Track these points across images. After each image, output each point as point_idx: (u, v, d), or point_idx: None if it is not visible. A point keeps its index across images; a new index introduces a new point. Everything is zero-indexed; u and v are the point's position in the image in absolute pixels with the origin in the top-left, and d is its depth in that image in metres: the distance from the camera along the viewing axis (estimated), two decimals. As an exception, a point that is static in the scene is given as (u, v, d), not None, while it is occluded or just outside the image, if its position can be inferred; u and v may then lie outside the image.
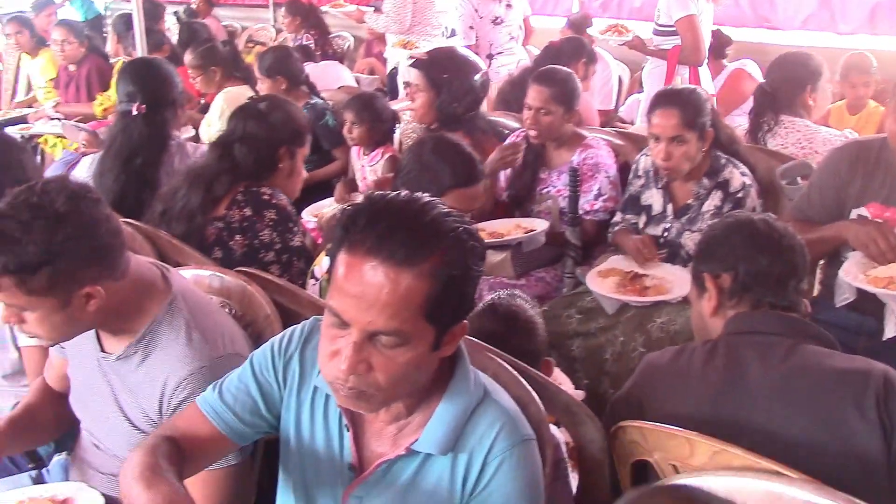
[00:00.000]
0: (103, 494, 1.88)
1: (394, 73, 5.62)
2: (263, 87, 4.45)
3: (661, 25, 4.90)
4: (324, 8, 7.05)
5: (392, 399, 1.46)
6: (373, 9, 5.68)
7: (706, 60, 4.85)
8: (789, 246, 1.91)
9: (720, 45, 4.99)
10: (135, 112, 3.27)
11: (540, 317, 2.33)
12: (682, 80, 4.71)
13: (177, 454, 1.55)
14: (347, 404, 1.46)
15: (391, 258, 1.34)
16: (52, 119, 5.79)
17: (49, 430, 2.09)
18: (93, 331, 1.88)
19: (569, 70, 3.65)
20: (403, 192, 1.46)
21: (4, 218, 1.63)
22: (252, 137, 2.79)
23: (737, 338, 1.85)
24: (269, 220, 2.74)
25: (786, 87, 3.60)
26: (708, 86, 4.87)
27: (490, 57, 5.24)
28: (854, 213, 2.59)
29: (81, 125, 4.92)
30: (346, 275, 1.38)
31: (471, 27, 5.22)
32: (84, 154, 4.25)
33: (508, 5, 5.25)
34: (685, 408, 1.76)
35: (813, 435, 1.64)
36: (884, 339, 2.39)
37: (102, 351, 1.88)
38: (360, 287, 1.35)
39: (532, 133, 3.50)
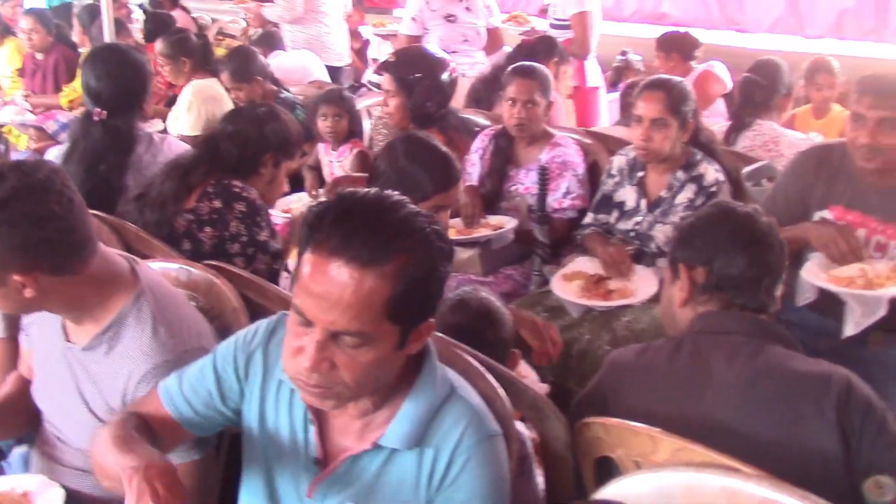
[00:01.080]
0: (65, 487, 1.87)
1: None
2: (240, 94, 4.41)
3: (556, 19, 5.21)
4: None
5: (356, 396, 1.46)
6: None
7: (591, 54, 5.14)
8: (769, 245, 1.90)
9: (689, 47, 5.05)
10: (95, 118, 3.16)
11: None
12: (570, 72, 4.88)
13: (146, 429, 1.58)
14: (311, 402, 1.47)
15: (355, 259, 1.34)
16: (20, 109, 5.70)
17: (22, 421, 2.06)
18: (59, 320, 1.87)
19: (543, 66, 3.68)
20: (373, 191, 1.46)
21: None
22: (241, 136, 2.79)
23: (703, 337, 1.85)
24: (238, 211, 2.73)
25: (763, 91, 3.67)
26: (595, 80, 5.12)
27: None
28: (817, 216, 2.64)
29: (28, 122, 4.83)
30: (311, 274, 1.38)
31: (413, 18, 5.22)
32: (36, 151, 4.19)
33: (468, 8, 5.22)
34: (649, 404, 1.78)
35: (775, 434, 1.66)
36: (842, 337, 2.43)
37: (67, 341, 1.86)
38: (324, 287, 1.36)
39: (515, 126, 3.49)
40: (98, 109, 3.16)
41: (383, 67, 3.78)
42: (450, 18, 5.17)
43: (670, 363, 1.84)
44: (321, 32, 6.07)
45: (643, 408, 1.76)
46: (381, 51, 6.71)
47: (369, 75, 6.70)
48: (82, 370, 1.83)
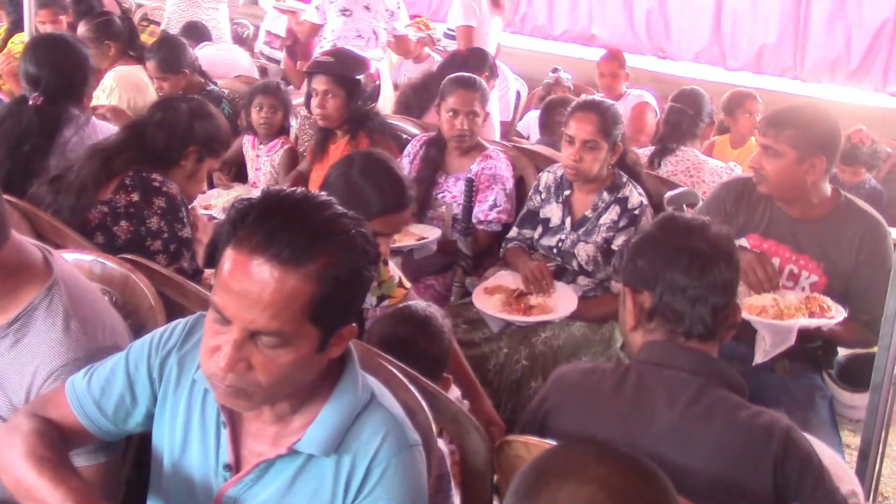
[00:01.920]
0: None
1: None
2: (165, 85, 4.29)
3: (449, 29, 5.48)
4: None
5: (272, 398, 1.43)
6: None
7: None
8: (717, 261, 1.76)
9: (623, 62, 5.23)
10: (31, 102, 3.09)
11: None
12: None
13: (61, 441, 1.52)
14: (226, 402, 1.43)
15: (276, 257, 1.32)
16: None
17: None
18: None
19: (480, 78, 3.72)
20: (299, 191, 1.43)
21: None
22: (169, 126, 2.72)
23: (647, 368, 1.78)
24: (158, 207, 2.65)
25: (690, 120, 3.78)
26: None
27: (335, 46, 5.33)
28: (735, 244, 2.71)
29: None
30: (231, 271, 1.35)
31: (317, 7, 5.28)
32: None
33: (367, 7, 5.25)
34: (588, 427, 1.75)
35: (712, 474, 1.64)
36: (753, 364, 2.50)
37: None
38: (244, 285, 1.33)
39: (457, 137, 3.50)
40: (35, 94, 3.10)
41: (319, 68, 3.72)
42: (345, 12, 5.20)
43: (615, 391, 1.78)
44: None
45: (581, 430, 1.73)
46: (274, 24, 6.58)
47: (260, 45, 6.71)
48: None
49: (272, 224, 1.34)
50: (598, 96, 5.17)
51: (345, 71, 3.64)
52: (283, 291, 1.32)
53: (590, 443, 1.30)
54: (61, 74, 3.14)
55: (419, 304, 2.33)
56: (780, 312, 2.44)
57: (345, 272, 1.36)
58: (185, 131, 2.73)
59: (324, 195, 1.45)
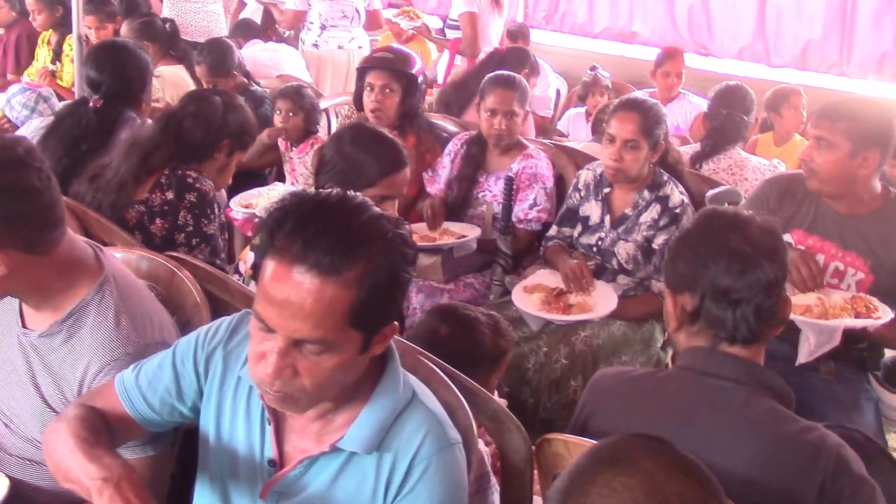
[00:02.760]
0: (9, 477, 1.81)
1: None
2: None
3: (451, 19, 5.52)
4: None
5: (319, 400, 1.45)
6: None
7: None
8: (761, 256, 1.68)
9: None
10: (91, 104, 3.18)
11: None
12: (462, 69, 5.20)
13: (104, 427, 1.55)
14: (275, 405, 1.45)
15: (316, 266, 1.32)
16: None
17: None
18: (16, 306, 1.82)
19: (518, 75, 3.69)
20: (335, 192, 1.44)
21: None
22: (204, 119, 2.76)
23: (689, 375, 1.72)
24: (188, 202, 2.69)
25: (736, 124, 3.73)
26: None
27: (323, 28, 5.53)
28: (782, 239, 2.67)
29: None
30: (272, 281, 1.35)
31: None
32: None
33: None
34: (626, 429, 1.69)
35: (754, 478, 1.58)
36: (796, 364, 2.47)
37: (24, 327, 1.81)
38: (285, 294, 1.33)
39: (495, 136, 3.49)
40: (96, 97, 3.19)
41: (378, 63, 3.74)
42: None
43: (653, 397, 1.73)
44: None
45: (614, 429, 1.65)
46: (255, 15, 6.59)
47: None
48: (38, 358, 1.78)
49: (310, 231, 1.34)
50: (639, 94, 5.16)
51: (404, 66, 3.66)
52: (323, 300, 1.32)
53: (652, 438, 1.28)
54: (121, 79, 3.23)
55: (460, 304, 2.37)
56: (825, 312, 2.41)
57: (384, 275, 1.37)
58: (220, 125, 2.78)
59: (360, 197, 1.45)
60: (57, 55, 5.38)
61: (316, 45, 5.53)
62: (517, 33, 5.89)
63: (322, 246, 1.33)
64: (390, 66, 3.66)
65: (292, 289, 1.33)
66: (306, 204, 1.39)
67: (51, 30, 5.46)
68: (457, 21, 5.44)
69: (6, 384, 1.85)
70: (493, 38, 5.54)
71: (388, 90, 3.63)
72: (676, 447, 1.25)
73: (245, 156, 2.96)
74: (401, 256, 1.40)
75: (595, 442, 1.62)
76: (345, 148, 2.49)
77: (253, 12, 6.67)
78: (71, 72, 4.98)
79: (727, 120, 3.89)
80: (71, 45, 5.05)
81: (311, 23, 5.50)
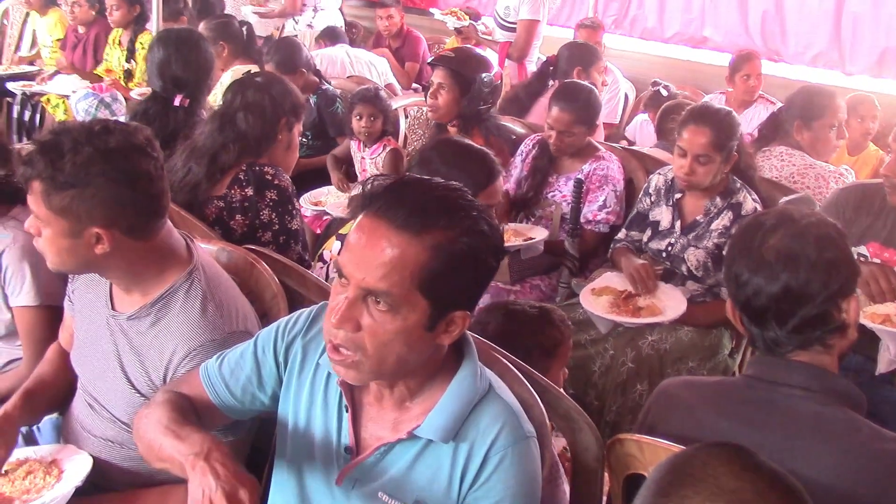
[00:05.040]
0: (93, 457, 1.88)
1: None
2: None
3: (507, 21, 5.41)
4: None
5: (380, 370, 1.45)
6: None
7: (532, 58, 5.39)
8: (803, 268, 1.61)
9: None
10: (177, 104, 3.26)
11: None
12: (510, 72, 5.20)
13: (192, 409, 1.60)
14: (337, 371, 1.48)
15: (394, 221, 1.38)
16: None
17: (60, 397, 2.07)
18: (106, 289, 1.89)
19: (590, 87, 3.67)
20: (437, 178, 1.50)
21: (64, 133, 1.69)
22: (256, 106, 2.79)
23: (758, 384, 1.68)
24: (270, 199, 2.73)
25: (789, 117, 3.62)
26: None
27: (315, 10, 5.97)
28: (854, 252, 2.62)
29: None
30: (355, 230, 1.43)
31: None
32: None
33: None
34: (695, 433, 1.68)
35: (835, 486, 1.54)
36: (876, 374, 2.43)
37: (113, 309, 1.88)
38: (363, 244, 1.40)
39: (554, 150, 3.51)
40: (182, 96, 3.27)
41: (440, 61, 3.79)
42: None
43: (723, 404, 1.70)
44: None
45: (683, 434, 1.67)
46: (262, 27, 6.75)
47: None
48: (125, 340, 1.85)
49: (401, 193, 1.42)
50: (711, 98, 5.10)
51: (461, 68, 3.68)
52: (396, 255, 1.37)
53: (733, 450, 1.24)
54: (199, 73, 3.33)
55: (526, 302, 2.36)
56: (905, 321, 2.36)
57: (460, 249, 1.40)
58: (272, 107, 2.79)
59: (459, 184, 1.49)
60: (131, 53, 5.52)
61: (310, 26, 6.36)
62: (591, 27, 5.83)
63: (408, 205, 1.39)
64: (448, 65, 3.70)
65: (370, 238, 1.39)
66: (409, 178, 1.49)
67: (121, 29, 5.60)
68: (512, 23, 5.39)
69: (94, 363, 1.92)
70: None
71: (443, 88, 3.68)
72: (757, 457, 1.22)
73: (300, 125, 2.95)
74: (482, 238, 1.43)
75: (669, 444, 1.63)
76: (437, 166, 2.45)
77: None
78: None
79: (777, 116, 3.76)
80: (143, 45, 5.21)
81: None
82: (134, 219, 1.74)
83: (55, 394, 2.05)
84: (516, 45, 5.34)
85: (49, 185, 1.68)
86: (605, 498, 1.88)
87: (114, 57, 5.60)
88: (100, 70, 5.64)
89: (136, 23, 5.50)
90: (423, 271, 1.38)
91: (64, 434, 2.04)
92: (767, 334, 1.65)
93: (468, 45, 4.69)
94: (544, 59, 4.83)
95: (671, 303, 2.95)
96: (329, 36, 6.08)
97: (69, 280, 2.05)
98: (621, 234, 3.31)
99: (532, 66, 5.31)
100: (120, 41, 5.59)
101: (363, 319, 1.40)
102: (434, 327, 1.44)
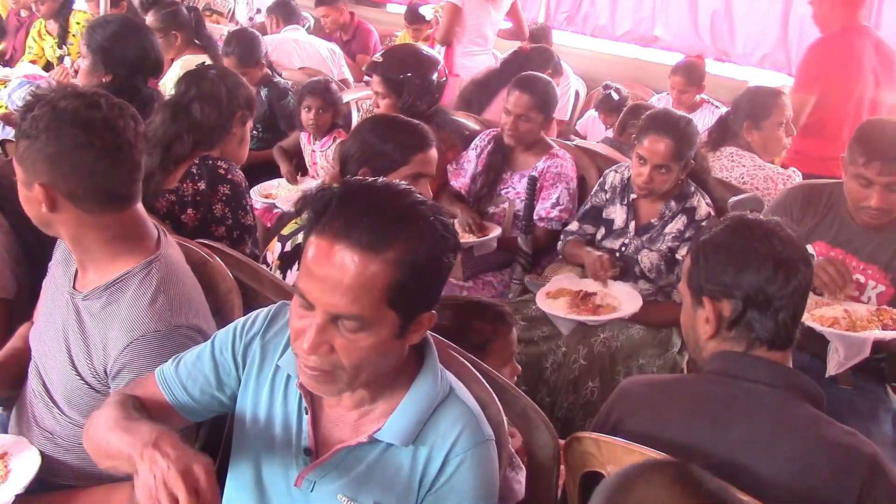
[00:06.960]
0: (41, 452, 1.84)
1: None
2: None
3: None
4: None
5: (354, 383, 1.45)
6: None
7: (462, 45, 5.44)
8: (796, 261, 1.72)
9: (699, 76, 5.08)
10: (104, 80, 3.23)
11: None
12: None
13: (143, 409, 1.57)
14: (310, 386, 1.46)
15: (356, 243, 1.35)
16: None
17: (21, 377, 2.04)
18: (73, 267, 1.88)
19: (548, 78, 3.68)
20: (380, 180, 1.47)
21: (54, 92, 1.74)
22: (212, 96, 2.76)
23: (721, 380, 1.73)
24: (223, 194, 2.70)
25: (737, 119, 3.67)
26: (458, 69, 5.34)
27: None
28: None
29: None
30: (314, 257, 1.38)
31: None
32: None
33: None
34: (655, 431, 1.72)
35: (793, 484, 1.59)
36: (826, 376, 2.46)
37: (73, 288, 1.86)
38: (325, 270, 1.36)
39: (507, 135, 3.50)
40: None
41: (371, 68, 3.75)
42: None
43: (686, 400, 1.74)
44: None
45: (648, 433, 1.71)
46: None
47: None
48: (76, 319, 1.82)
49: (352, 210, 1.37)
50: (656, 98, 5.15)
51: (388, 72, 3.63)
52: (362, 276, 1.34)
53: (679, 469, 1.27)
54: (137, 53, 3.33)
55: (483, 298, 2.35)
56: (853, 324, 2.39)
57: (423, 258, 1.38)
58: (228, 99, 2.77)
59: (404, 184, 1.47)
60: (62, 39, 5.43)
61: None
62: (540, 34, 5.88)
63: (364, 224, 1.36)
64: (376, 71, 3.67)
65: (333, 264, 1.35)
66: (351, 187, 1.43)
67: (42, 21, 5.50)
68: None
69: (46, 342, 1.90)
70: (487, 30, 5.49)
71: (380, 97, 3.65)
72: (702, 478, 1.24)
73: (251, 120, 2.93)
74: (441, 241, 1.42)
75: (627, 443, 1.65)
76: (368, 137, 2.50)
77: None
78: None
79: (724, 119, 3.81)
80: (79, 24, 5.11)
81: None
82: (76, 186, 1.73)
83: (14, 373, 2.03)
84: (440, 29, 5.51)
85: (17, 133, 1.75)
86: (559, 492, 1.89)
87: (46, 46, 5.48)
88: (26, 58, 5.52)
89: (62, 9, 5.42)
90: (390, 287, 1.36)
91: (11, 426, 2.01)
92: (766, 330, 1.72)
93: (411, 42, 4.66)
94: (500, 55, 4.85)
95: (627, 299, 2.97)
96: (282, 12, 5.94)
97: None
98: (573, 227, 3.31)
99: (462, 52, 5.41)
100: (48, 30, 5.49)
101: (335, 341, 1.39)
102: (405, 334, 1.44)
